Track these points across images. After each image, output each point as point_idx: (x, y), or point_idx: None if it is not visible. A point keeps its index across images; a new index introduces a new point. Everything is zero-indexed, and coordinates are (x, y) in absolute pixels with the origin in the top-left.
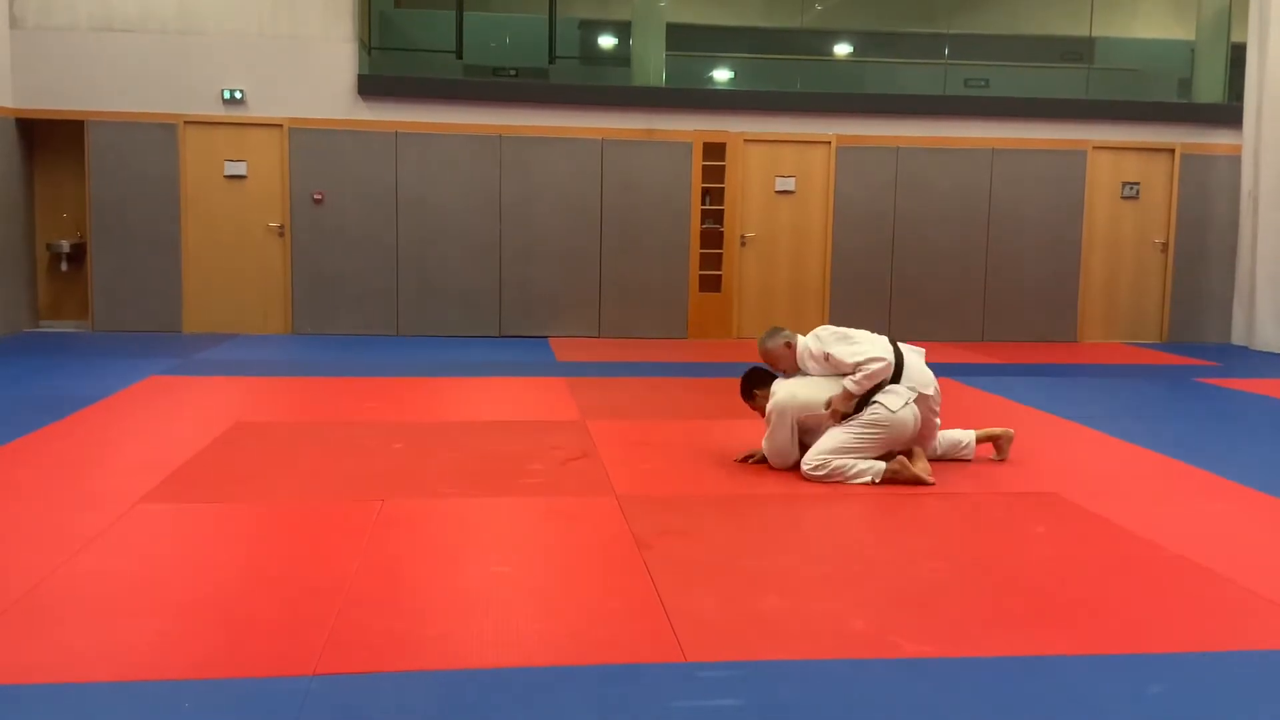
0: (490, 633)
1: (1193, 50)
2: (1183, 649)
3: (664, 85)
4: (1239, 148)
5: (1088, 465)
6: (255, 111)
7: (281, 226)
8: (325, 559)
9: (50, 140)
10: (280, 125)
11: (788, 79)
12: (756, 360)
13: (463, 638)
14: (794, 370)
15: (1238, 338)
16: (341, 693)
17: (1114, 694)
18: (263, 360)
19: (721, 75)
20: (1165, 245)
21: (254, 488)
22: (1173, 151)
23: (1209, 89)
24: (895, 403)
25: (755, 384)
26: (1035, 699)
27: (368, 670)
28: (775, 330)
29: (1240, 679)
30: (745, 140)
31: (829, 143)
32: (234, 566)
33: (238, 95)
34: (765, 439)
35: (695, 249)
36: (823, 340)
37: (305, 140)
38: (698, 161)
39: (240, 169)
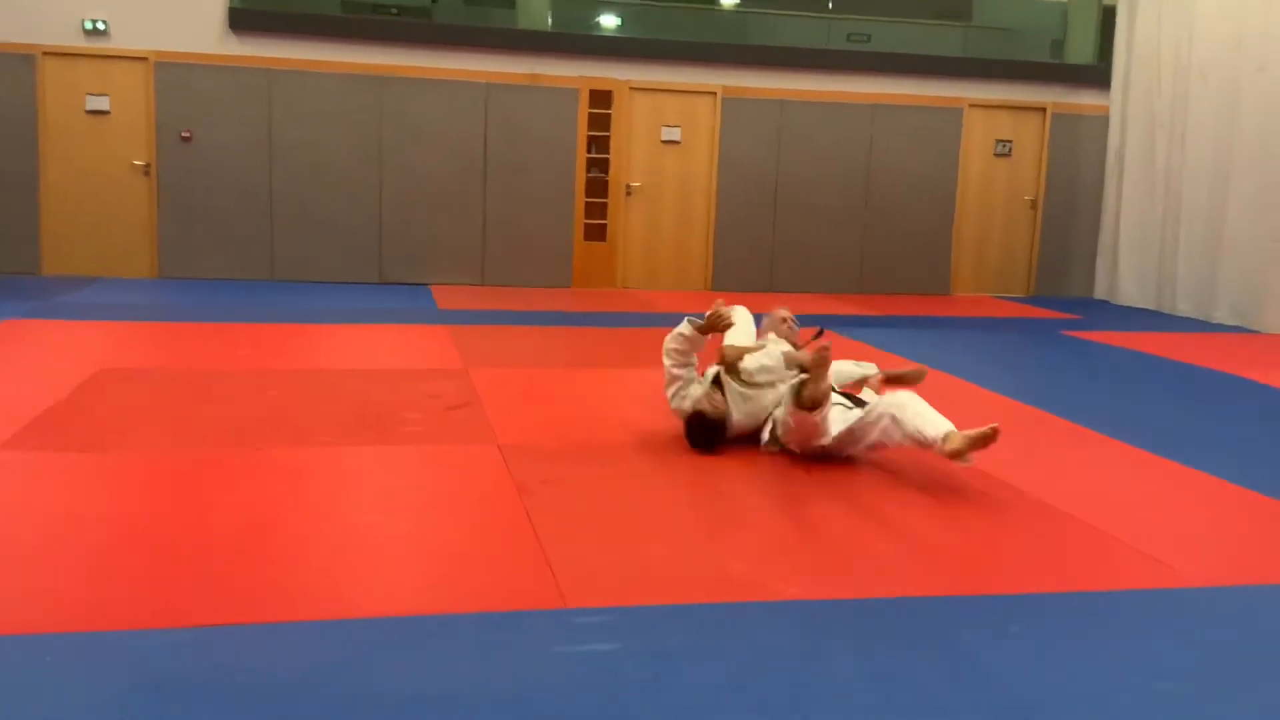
0: (368, 582)
1: (1065, 11)
2: (1042, 590)
3: (550, 29)
4: (1107, 108)
5: (956, 414)
6: (119, 43)
7: (147, 165)
8: (197, 509)
9: None
10: (145, 59)
11: (675, 27)
12: (636, 310)
13: (340, 587)
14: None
15: (1100, 292)
16: (216, 644)
17: (977, 633)
18: (129, 304)
19: (609, 21)
20: (1035, 202)
21: (121, 436)
22: (1044, 111)
23: (1080, 50)
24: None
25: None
26: (901, 639)
27: (243, 621)
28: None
29: (1095, 618)
30: (632, 89)
31: (715, 93)
32: (100, 516)
33: (100, 26)
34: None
35: (581, 198)
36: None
37: (173, 75)
38: (584, 109)
39: (103, 104)
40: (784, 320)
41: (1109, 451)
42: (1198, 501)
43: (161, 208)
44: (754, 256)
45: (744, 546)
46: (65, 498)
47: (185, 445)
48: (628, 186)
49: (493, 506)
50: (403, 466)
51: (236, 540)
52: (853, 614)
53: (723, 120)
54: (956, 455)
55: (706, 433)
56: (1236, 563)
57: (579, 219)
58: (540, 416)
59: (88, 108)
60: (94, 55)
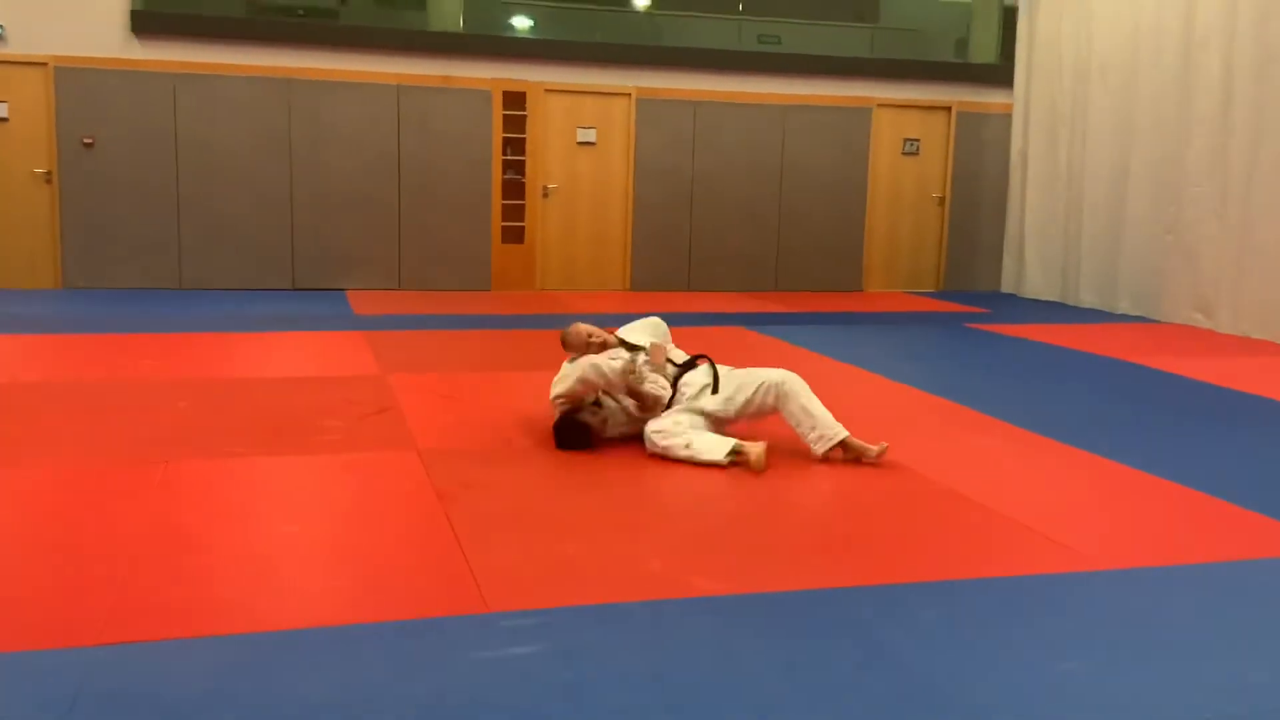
0: (285, 594)
1: (970, 11)
2: (954, 576)
3: (462, 30)
4: (1010, 106)
5: (868, 406)
6: (16, 48)
7: (48, 173)
8: (105, 524)
9: None
10: (45, 64)
11: (588, 29)
12: (554, 311)
13: (255, 600)
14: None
15: (1007, 285)
16: (127, 662)
17: (891, 621)
18: (31, 316)
19: (521, 23)
20: (942, 199)
21: (25, 451)
22: (949, 110)
23: (984, 49)
24: None
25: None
26: (815, 630)
27: (155, 638)
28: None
29: (1003, 602)
30: (546, 90)
31: (629, 95)
32: (3, 533)
33: None
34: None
35: (497, 200)
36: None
37: (74, 81)
38: (498, 111)
39: (0, 111)
40: (590, 338)
41: (1013, 439)
42: (1101, 487)
43: (64, 217)
44: (671, 257)
45: (663, 544)
46: None
47: (92, 459)
48: (544, 188)
49: (413, 513)
50: (321, 476)
51: (148, 555)
52: (769, 607)
53: (637, 121)
54: None
55: (574, 435)
56: (1138, 546)
57: (496, 221)
58: (459, 421)
59: None
60: None
